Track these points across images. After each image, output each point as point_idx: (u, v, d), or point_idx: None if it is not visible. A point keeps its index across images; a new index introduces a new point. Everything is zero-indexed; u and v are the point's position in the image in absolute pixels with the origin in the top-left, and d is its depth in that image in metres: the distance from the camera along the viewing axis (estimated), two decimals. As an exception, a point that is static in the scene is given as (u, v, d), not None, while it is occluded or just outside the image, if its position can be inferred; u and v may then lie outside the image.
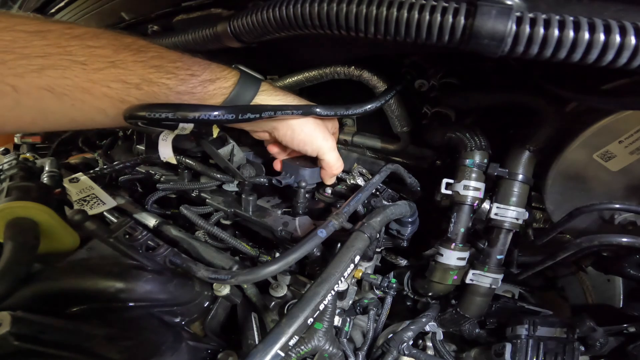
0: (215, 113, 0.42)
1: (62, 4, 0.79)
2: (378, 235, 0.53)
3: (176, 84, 0.41)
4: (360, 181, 0.67)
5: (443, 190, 0.57)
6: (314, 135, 0.54)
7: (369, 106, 0.57)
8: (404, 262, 0.72)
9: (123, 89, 0.39)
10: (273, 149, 0.63)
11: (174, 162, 0.62)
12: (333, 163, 0.59)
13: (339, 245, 0.48)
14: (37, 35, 0.35)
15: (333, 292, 0.41)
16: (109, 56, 0.38)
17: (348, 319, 0.58)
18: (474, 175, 0.55)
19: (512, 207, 0.54)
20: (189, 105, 0.42)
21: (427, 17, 0.33)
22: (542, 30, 0.30)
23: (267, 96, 0.49)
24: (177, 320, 0.55)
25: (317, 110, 0.52)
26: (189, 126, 0.46)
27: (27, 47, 0.34)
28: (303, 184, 0.60)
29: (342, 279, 0.42)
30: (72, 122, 0.41)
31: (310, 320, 0.38)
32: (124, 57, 0.38)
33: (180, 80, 0.42)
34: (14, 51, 0.33)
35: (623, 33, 0.28)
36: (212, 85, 0.44)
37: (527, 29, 0.30)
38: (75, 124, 0.41)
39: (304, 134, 0.53)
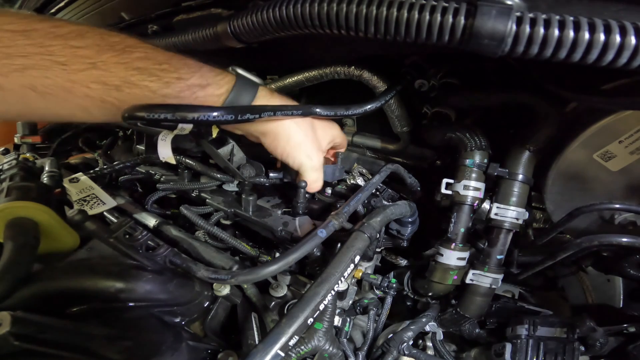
0: (215, 114, 0.41)
1: (62, 3, 0.79)
2: (378, 235, 0.53)
3: (160, 87, 0.40)
4: (360, 181, 0.67)
5: (443, 190, 0.57)
6: (296, 151, 0.52)
7: (369, 106, 0.57)
8: (404, 262, 0.72)
9: (103, 90, 0.39)
10: None
11: (173, 162, 0.62)
12: (310, 182, 0.56)
13: (339, 245, 0.48)
14: (21, 35, 0.35)
15: (333, 292, 0.41)
16: (91, 57, 0.38)
17: (348, 319, 0.58)
18: (474, 175, 0.55)
19: (512, 207, 0.54)
20: (188, 105, 0.42)
21: (427, 17, 0.33)
22: (542, 30, 0.30)
23: (266, 102, 0.48)
24: (177, 320, 0.55)
25: (317, 110, 0.52)
26: (188, 126, 0.45)
27: (11, 46, 0.35)
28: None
29: (342, 279, 0.42)
30: (57, 117, 0.42)
31: (310, 320, 0.38)
32: (106, 58, 0.38)
33: (165, 83, 0.41)
34: None
35: (623, 33, 0.28)
36: (202, 92, 0.43)
37: (527, 29, 0.30)
38: (61, 118, 0.42)
39: (289, 146, 0.52)
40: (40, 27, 0.36)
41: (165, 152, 0.57)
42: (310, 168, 0.55)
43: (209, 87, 0.43)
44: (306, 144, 0.53)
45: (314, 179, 0.56)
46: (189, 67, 0.43)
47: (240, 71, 0.48)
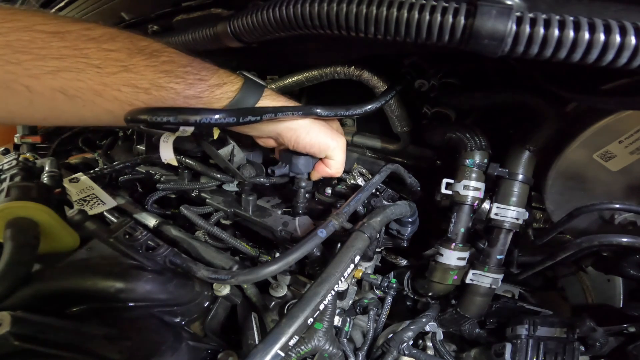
0: (217, 116, 0.42)
1: (62, 3, 0.79)
2: (378, 235, 0.53)
3: (184, 88, 0.41)
4: (360, 181, 0.67)
5: (443, 190, 0.57)
6: (320, 138, 0.54)
7: (369, 107, 0.57)
8: (404, 262, 0.72)
9: (133, 93, 0.39)
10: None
11: (175, 163, 0.62)
12: (339, 163, 0.57)
13: (339, 245, 0.48)
14: (55, 36, 0.35)
15: (333, 292, 0.41)
16: (123, 60, 0.38)
17: (348, 319, 0.58)
18: (474, 175, 0.55)
19: (512, 207, 0.54)
20: (190, 108, 0.42)
21: (427, 17, 0.33)
22: (542, 30, 0.30)
23: (270, 102, 0.49)
24: (177, 320, 0.55)
25: (317, 110, 0.52)
26: (190, 129, 0.46)
27: (45, 47, 0.34)
28: (303, 184, 0.60)
29: (342, 279, 0.42)
30: (82, 121, 0.42)
31: (310, 320, 0.38)
32: (136, 62, 0.39)
33: (189, 84, 0.42)
34: (31, 52, 0.34)
35: (623, 33, 0.28)
36: (219, 90, 0.44)
37: (527, 29, 0.30)
38: (84, 122, 0.42)
39: (310, 137, 0.53)
40: (73, 29, 0.36)
41: (167, 154, 0.58)
42: (338, 148, 0.56)
43: (225, 86, 0.45)
44: (324, 130, 0.54)
45: (342, 160, 0.58)
46: (208, 70, 0.44)
47: (247, 74, 0.49)
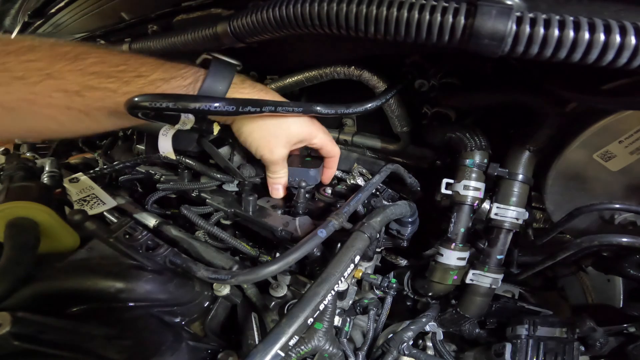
0: (216, 104, 0.42)
1: (62, 4, 0.79)
2: (378, 235, 0.53)
3: (119, 86, 0.41)
4: (360, 181, 0.67)
5: (443, 190, 0.57)
6: (259, 142, 0.54)
7: (370, 105, 0.57)
8: (404, 262, 0.72)
9: (65, 97, 0.39)
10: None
11: (173, 157, 0.62)
12: (269, 174, 0.60)
13: (339, 245, 0.48)
14: None
15: (333, 292, 0.41)
16: (44, 68, 0.38)
17: (348, 319, 0.58)
18: (474, 175, 0.55)
19: (512, 207, 0.54)
20: (190, 95, 0.42)
21: (427, 17, 0.33)
22: (542, 30, 0.30)
23: (239, 89, 0.49)
24: (177, 320, 0.55)
25: (318, 108, 0.52)
26: (190, 121, 0.46)
27: None
28: (303, 184, 0.60)
29: (342, 279, 0.42)
30: (32, 132, 0.43)
31: (310, 320, 0.38)
32: (59, 68, 0.39)
33: (124, 82, 0.41)
34: None
35: (623, 33, 0.28)
36: (167, 85, 0.43)
37: (527, 29, 0.30)
38: (36, 133, 0.43)
39: (251, 137, 0.53)
40: None
41: (165, 146, 0.58)
42: (270, 162, 0.57)
43: (172, 80, 0.44)
44: (268, 138, 0.54)
45: (273, 172, 0.59)
46: (150, 65, 0.43)
47: (216, 55, 0.48)
